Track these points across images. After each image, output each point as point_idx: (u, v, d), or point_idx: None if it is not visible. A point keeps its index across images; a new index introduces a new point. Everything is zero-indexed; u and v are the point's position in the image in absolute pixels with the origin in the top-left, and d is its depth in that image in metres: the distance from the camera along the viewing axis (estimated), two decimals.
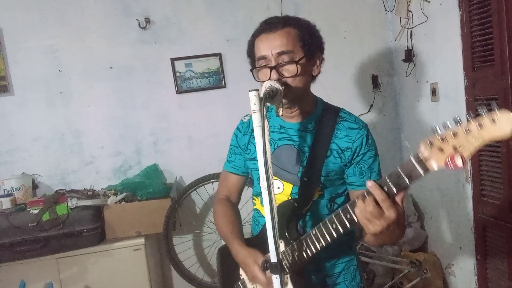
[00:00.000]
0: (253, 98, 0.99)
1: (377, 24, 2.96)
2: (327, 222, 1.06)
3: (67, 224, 2.30)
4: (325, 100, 1.35)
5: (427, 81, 2.55)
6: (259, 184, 1.07)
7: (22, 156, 2.71)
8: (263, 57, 1.17)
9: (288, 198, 1.23)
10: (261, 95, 1.02)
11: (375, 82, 2.97)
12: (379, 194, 0.88)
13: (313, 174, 1.19)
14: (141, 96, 2.80)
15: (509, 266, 1.95)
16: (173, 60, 2.78)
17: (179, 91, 2.81)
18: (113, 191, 2.53)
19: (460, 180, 2.31)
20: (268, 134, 0.99)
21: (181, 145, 2.86)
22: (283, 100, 1.12)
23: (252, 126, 1.13)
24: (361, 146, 1.19)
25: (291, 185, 1.23)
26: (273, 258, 1.00)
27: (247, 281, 1.27)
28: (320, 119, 1.24)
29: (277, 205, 1.11)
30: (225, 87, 2.85)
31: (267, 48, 1.15)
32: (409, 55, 2.66)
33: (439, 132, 0.79)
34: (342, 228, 1.02)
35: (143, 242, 2.42)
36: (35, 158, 2.73)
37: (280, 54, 1.14)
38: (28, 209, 2.34)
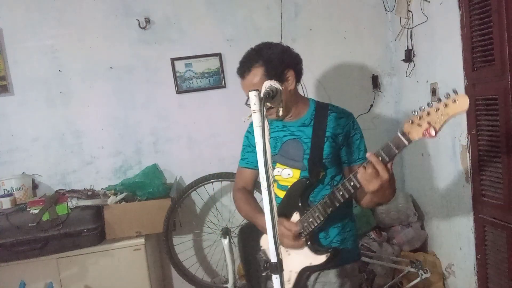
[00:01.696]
0: (253, 98, 0.99)
1: (377, 24, 2.96)
2: (335, 191, 1.31)
3: (67, 224, 2.30)
4: (324, 100, 1.53)
5: (427, 81, 2.55)
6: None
7: (22, 156, 2.71)
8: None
9: (295, 181, 1.47)
10: (261, 95, 1.03)
11: (375, 82, 2.97)
12: (375, 160, 1.14)
13: (316, 158, 1.45)
14: (141, 96, 2.80)
15: (509, 266, 1.95)
16: (173, 60, 2.78)
17: (179, 91, 2.81)
18: (113, 191, 2.53)
19: (460, 180, 2.31)
20: (268, 134, 1.00)
21: (181, 145, 2.86)
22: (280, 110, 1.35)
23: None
24: (350, 131, 1.49)
25: (299, 171, 1.48)
26: (273, 258, 1.00)
27: (267, 249, 1.51)
28: (314, 114, 1.51)
29: (291, 185, 1.46)
30: (225, 87, 2.85)
31: (246, 92, 1.34)
32: (409, 55, 2.66)
33: (417, 112, 1.07)
34: (347, 194, 1.28)
35: (143, 242, 2.42)
36: (35, 158, 2.73)
37: None
38: (28, 209, 2.34)
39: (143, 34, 2.76)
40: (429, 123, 1.04)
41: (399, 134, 1.11)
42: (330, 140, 1.46)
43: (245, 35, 2.86)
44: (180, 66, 2.80)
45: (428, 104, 1.07)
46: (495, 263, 2.06)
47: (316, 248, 1.41)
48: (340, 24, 2.91)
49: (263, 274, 1.53)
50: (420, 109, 1.07)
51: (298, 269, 1.43)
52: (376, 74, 2.98)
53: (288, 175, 1.51)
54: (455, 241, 2.45)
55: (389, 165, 1.17)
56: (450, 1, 2.19)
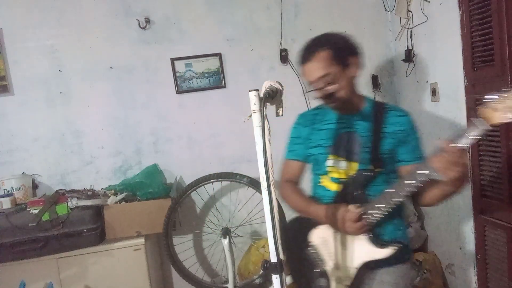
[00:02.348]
0: (253, 98, 0.99)
1: (377, 24, 2.96)
2: (402, 183, 1.29)
3: (67, 224, 2.30)
4: None
5: (427, 81, 2.55)
6: (326, 164, 1.48)
7: (22, 156, 2.71)
8: (311, 82, 1.44)
9: (354, 173, 1.46)
10: (261, 95, 1.03)
11: (375, 82, 2.97)
12: (452, 148, 1.13)
13: (375, 153, 1.44)
14: (141, 96, 2.80)
15: (509, 266, 1.95)
16: (173, 60, 2.78)
17: (179, 91, 2.81)
18: (113, 191, 2.53)
19: None
20: (269, 134, 0.99)
21: (181, 145, 2.86)
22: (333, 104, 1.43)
23: (312, 119, 1.56)
24: (410, 129, 1.47)
25: (357, 163, 1.46)
26: (273, 258, 1.00)
27: (319, 244, 1.50)
28: (372, 110, 1.50)
29: (349, 176, 1.45)
30: (225, 87, 2.85)
31: (310, 76, 1.43)
32: (409, 55, 2.66)
33: (492, 97, 1.07)
34: (416, 185, 1.25)
35: (143, 242, 2.42)
36: (35, 158, 2.73)
37: (321, 78, 1.40)
38: (28, 209, 2.34)
39: (143, 34, 2.76)
40: (505, 107, 1.04)
41: (474, 121, 1.10)
42: (388, 137, 1.45)
43: (245, 35, 2.86)
44: (180, 66, 2.80)
45: (504, 91, 1.07)
46: (495, 263, 2.06)
47: (379, 241, 1.39)
48: (340, 24, 2.91)
49: (315, 271, 1.48)
50: (496, 95, 1.07)
51: (358, 264, 1.40)
52: (376, 74, 2.98)
53: (344, 167, 1.48)
54: (455, 241, 2.45)
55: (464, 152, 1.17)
56: (450, 1, 2.19)
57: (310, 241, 1.52)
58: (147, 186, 2.52)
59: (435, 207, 2.64)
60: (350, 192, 1.43)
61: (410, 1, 2.60)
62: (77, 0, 2.70)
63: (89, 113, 2.76)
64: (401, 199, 1.31)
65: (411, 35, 2.65)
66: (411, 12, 2.62)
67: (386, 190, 1.34)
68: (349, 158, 1.47)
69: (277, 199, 1.10)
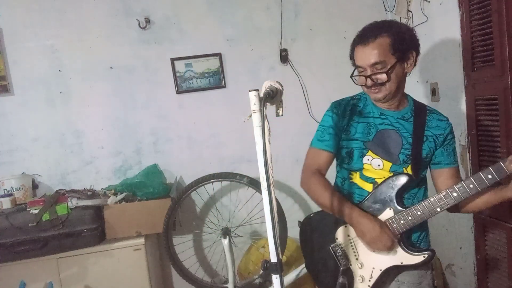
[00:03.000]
0: (253, 98, 0.99)
1: None
2: (463, 184, 1.27)
3: (67, 224, 2.30)
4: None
5: (427, 81, 2.55)
6: (360, 160, 1.42)
7: (22, 156, 2.71)
8: (360, 67, 1.38)
9: (389, 174, 1.41)
10: (261, 95, 1.02)
11: None
12: None
13: (417, 156, 1.39)
14: (141, 96, 2.80)
15: (509, 266, 1.95)
16: (173, 60, 2.78)
17: (179, 91, 2.81)
18: (113, 191, 2.53)
19: None
20: (269, 134, 0.99)
21: (181, 145, 2.86)
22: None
23: (350, 110, 1.47)
24: (449, 133, 1.44)
25: (391, 164, 1.41)
26: (273, 258, 1.00)
27: (343, 243, 1.47)
28: (414, 110, 1.45)
29: (390, 176, 1.39)
30: (225, 87, 2.85)
31: (362, 60, 1.36)
32: None
33: None
34: (481, 186, 1.25)
35: (143, 242, 2.42)
36: (35, 158, 2.73)
37: (373, 64, 1.33)
38: (28, 209, 2.34)
39: (143, 34, 2.76)
40: None
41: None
42: (429, 140, 1.41)
43: (245, 35, 2.86)
44: (180, 66, 2.80)
45: None
46: (495, 263, 2.06)
47: (411, 249, 1.37)
48: (340, 24, 2.91)
49: (341, 268, 1.44)
50: None
51: (384, 267, 1.39)
52: None
53: (378, 166, 1.41)
54: (455, 241, 2.45)
55: None
56: (450, 1, 2.19)
57: (335, 238, 1.48)
58: (147, 186, 2.52)
59: None
60: (387, 196, 1.38)
61: (410, 1, 2.61)
62: (77, 0, 2.70)
63: (89, 113, 2.76)
64: (446, 207, 1.30)
65: None
66: (411, 12, 2.62)
67: (430, 199, 1.32)
68: (386, 157, 1.41)
69: (276, 199, 1.10)
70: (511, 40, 1.80)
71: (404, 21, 2.70)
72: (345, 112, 1.49)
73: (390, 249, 1.35)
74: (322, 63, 2.92)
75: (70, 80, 2.73)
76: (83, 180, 2.77)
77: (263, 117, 0.98)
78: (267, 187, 0.97)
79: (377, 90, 1.36)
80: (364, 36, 1.35)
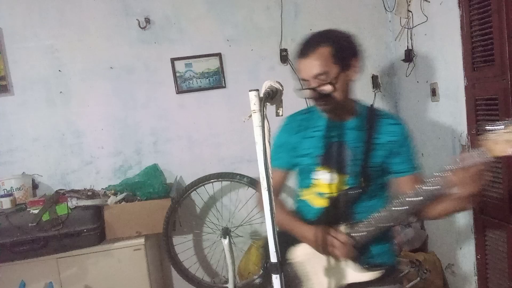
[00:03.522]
0: (253, 98, 0.99)
1: (377, 24, 2.96)
2: (405, 199, 1.21)
3: (67, 224, 2.30)
4: None
5: (427, 81, 2.55)
6: (310, 176, 1.38)
7: (22, 156, 2.71)
8: (304, 79, 1.34)
9: (343, 188, 1.36)
10: (261, 95, 1.02)
11: (375, 82, 2.97)
12: (475, 163, 1.08)
13: (366, 166, 1.34)
14: (141, 96, 2.80)
15: (509, 266, 1.95)
16: (173, 60, 2.78)
17: (179, 91, 2.81)
18: (113, 191, 2.53)
19: None
20: (269, 134, 0.99)
21: (181, 145, 2.86)
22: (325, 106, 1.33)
23: (303, 125, 1.44)
24: (403, 139, 1.37)
25: (344, 176, 1.36)
26: (273, 258, 1.00)
27: (303, 261, 1.40)
28: (364, 118, 1.39)
29: (338, 193, 1.34)
30: (225, 87, 2.85)
31: (305, 72, 1.32)
32: (409, 55, 2.66)
33: (493, 129, 1.04)
34: (425, 200, 1.18)
35: (143, 242, 2.42)
36: (35, 158, 2.73)
37: (316, 76, 1.29)
38: (28, 209, 2.34)
39: (143, 34, 2.76)
40: (506, 141, 1.02)
41: (478, 151, 1.08)
42: (380, 148, 1.35)
43: (245, 35, 2.86)
44: (180, 66, 2.80)
45: (503, 122, 1.04)
46: (495, 263, 2.06)
47: (365, 264, 1.32)
48: (340, 24, 2.88)
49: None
50: (496, 126, 1.04)
51: (344, 283, 1.33)
52: (376, 74, 2.98)
53: (332, 180, 1.37)
54: (455, 241, 2.45)
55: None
56: (450, 1, 2.19)
57: (290, 259, 1.42)
58: (147, 186, 2.52)
59: None
60: (337, 210, 1.33)
61: (410, 1, 2.60)
62: (77, 0, 2.70)
63: (89, 113, 2.76)
64: (394, 224, 1.26)
65: (411, 35, 2.65)
66: (411, 12, 2.62)
67: (378, 213, 1.26)
68: (338, 170, 1.36)
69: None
70: (511, 40, 1.79)
71: (404, 21, 2.71)
72: (297, 128, 1.46)
73: (350, 253, 1.29)
74: None
75: (70, 80, 2.73)
76: (83, 180, 2.77)
77: (263, 117, 0.98)
78: (267, 187, 0.97)
79: (324, 102, 1.32)
80: (304, 48, 1.32)
